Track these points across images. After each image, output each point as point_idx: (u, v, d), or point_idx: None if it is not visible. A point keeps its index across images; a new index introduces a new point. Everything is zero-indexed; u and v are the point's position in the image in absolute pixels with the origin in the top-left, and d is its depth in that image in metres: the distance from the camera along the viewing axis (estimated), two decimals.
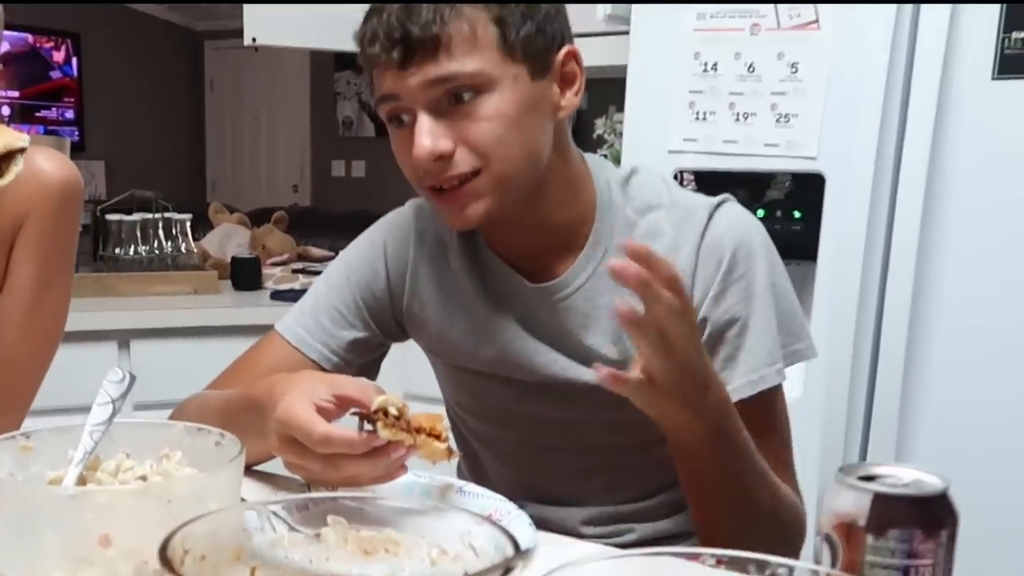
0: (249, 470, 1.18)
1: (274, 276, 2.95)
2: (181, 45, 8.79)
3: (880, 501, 0.66)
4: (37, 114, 7.27)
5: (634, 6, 2.13)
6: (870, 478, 0.68)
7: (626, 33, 2.15)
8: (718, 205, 1.22)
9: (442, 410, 1.33)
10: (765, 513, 1.14)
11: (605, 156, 2.80)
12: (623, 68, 2.14)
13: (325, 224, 4.24)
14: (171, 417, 1.26)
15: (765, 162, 1.99)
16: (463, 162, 1.11)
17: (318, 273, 2.89)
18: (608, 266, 0.92)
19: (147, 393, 1.60)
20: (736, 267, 1.19)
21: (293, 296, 2.68)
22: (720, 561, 0.58)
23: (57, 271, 1.39)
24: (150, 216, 2.82)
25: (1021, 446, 1.78)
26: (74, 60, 7.46)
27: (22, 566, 0.76)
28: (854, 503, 0.66)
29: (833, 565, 0.67)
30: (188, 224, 2.91)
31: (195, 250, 2.94)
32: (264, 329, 1.37)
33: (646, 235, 1.22)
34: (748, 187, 1.90)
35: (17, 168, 1.02)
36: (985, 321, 1.80)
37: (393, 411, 0.96)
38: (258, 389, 1.10)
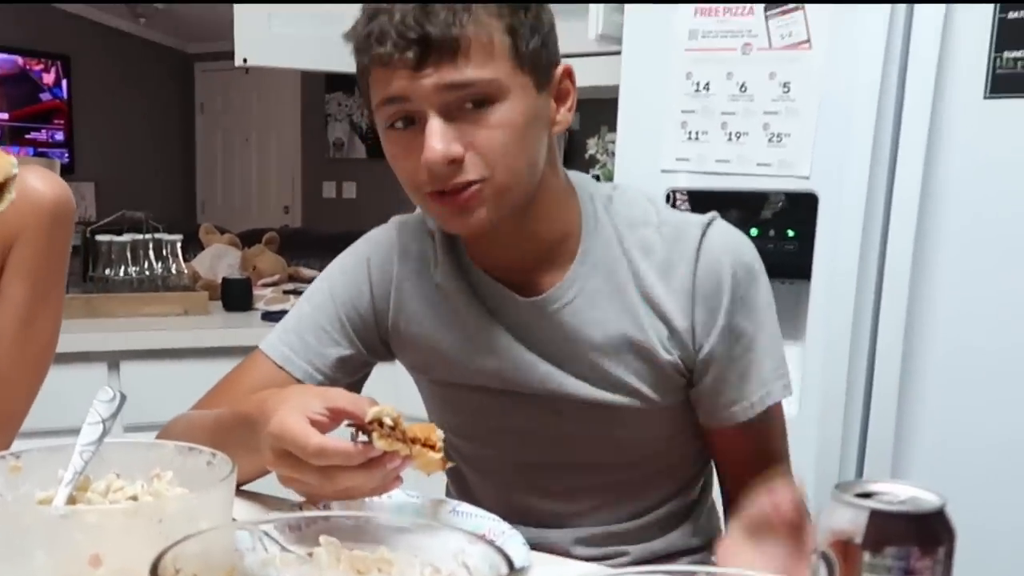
0: (240, 490, 1.17)
1: (265, 297, 2.94)
2: (171, 67, 8.80)
3: (877, 518, 0.65)
4: (27, 136, 7.28)
5: (626, 26, 2.13)
6: (866, 495, 0.67)
7: (618, 53, 2.16)
8: (709, 223, 1.22)
9: None
10: None
11: (597, 176, 2.80)
12: (615, 88, 2.14)
13: (316, 245, 4.23)
14: (158, 438, 1.25)
15: (758, 181, 1.99)
16: (472, 168, 1.10)
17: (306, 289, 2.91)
18: None
19: (137, 415, 1.59)
20: (739, 286, 1.20)
21: (284, 317, 2.67)
22: None
23: (49, 290, 1.38)
24: (140, 237, 2.81)
25: (1017, 463, 1.78)
26: (64, 82, 7.48)
27: None
28: (850, 520, 0.66)
29: None
30: (178, 245, 2.90)
31: (186, 271, 2.93)
32: (255, 350, 1.36)
33: (637, 251, 1.22)
34: (741, 206, 1.90)
35: (10, 196, 1.01)
36: (980, 339, 1.80)
37: (388, 421, 0.96)
38: (248, 405, 1.10)
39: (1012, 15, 1.73)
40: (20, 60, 7.06)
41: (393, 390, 1.59)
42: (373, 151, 7.67)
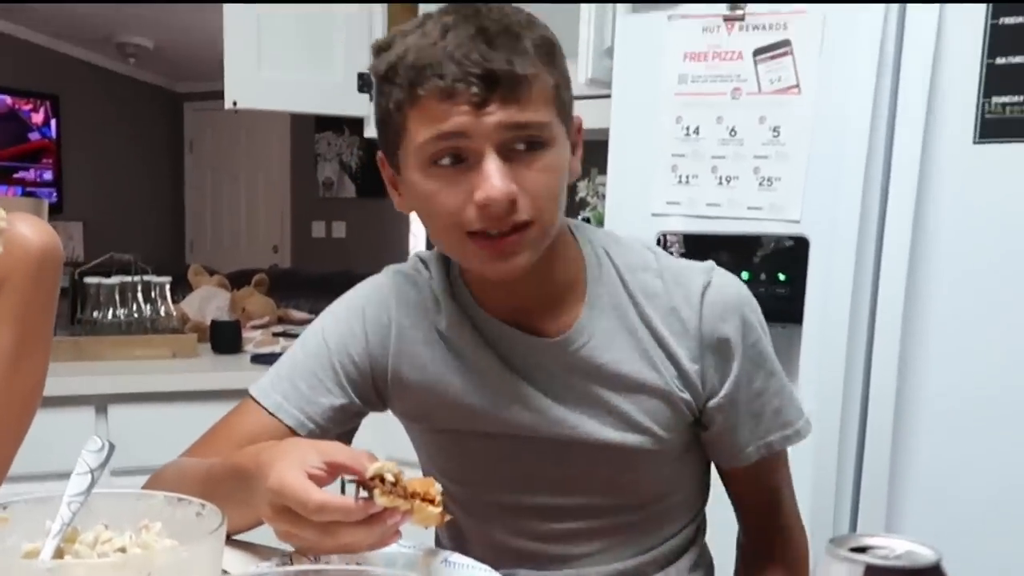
0: (230, 539, 1.16)
1: (254, 339, 2.93)
2: (161, 106, 8.82)
3: (872, 573, 0.64)
4: (15, 175, 7.26)
5: (615, 71, 2.14)
6: (861, 549, 0.67)
7: (608, 96, 2.16)
8: (711, 270, 1.24)
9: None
10: None
11: (588, 219, 2.81)
12: (605, 131, 2.15)
13: (305, 286, 4.23)
14: (147, 485, 1.24)
15: (749, 225, 1.99)
16: (523, 210, 1.10)
17: (298, 336, 2.90)
18: None
19: (125, 459, 1.56)
20: (749, 333, 1.23)
21: (273, 360, 2.62)
22: None
23: (36, 338, 1.37)
24: (129, 279, 2.80)
25: (1013, 515, 1.77)
26: (53, 121, 7.48)
27: None
28: (846, 575, 0.65)
29: None
30: (167, 287, 2.89)
31: (174, 313, 2.92)
32: (244, 393, 1.35)
33: (641, 295, 1.23)
34: (732, 250, 1.90)
35: None
36: (974, 383, 1.80)
37: (390, 478, 0.95)
38: (242, 457, 1.08)
39: (1000, 60, 1.75)
40: (9, 99, 7.06)
41: (381, 436, 1.59)
42: (363, 190, 7.70)
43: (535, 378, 1.24)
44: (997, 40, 1.75)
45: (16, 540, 0.88)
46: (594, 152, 2.30)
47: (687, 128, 2.04)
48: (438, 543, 1.43)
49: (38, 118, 7.41)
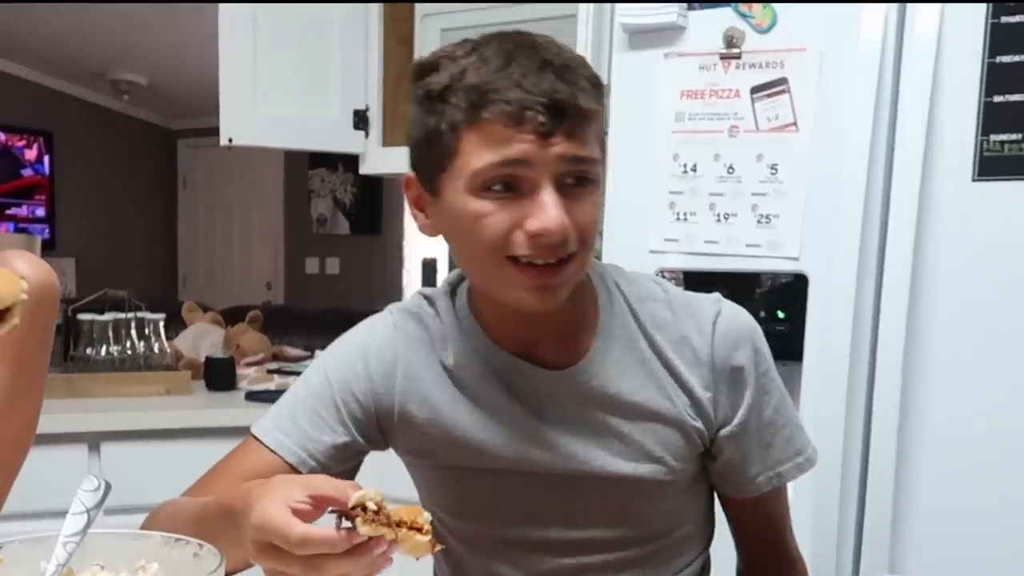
0: None
1: (249, 376, 2.91)
2: (154, 143, 8.84)
3: None
4: (7, 212, 7.27)
5: (612, 109, 2.14)
6: None
7: (605, 134, 2.16)
8: (719, 300, 1.26)
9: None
10: None
11: None
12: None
13: (299, 322, 4.22)
14: (143, 525, 1.22)
15: (747, 262, 1.99)
16: (570, 244, 1.10)
17: (294, 373, 2.89)
18: None
19: (118, 497, 1.53)
20: (761, 363, 1.24)
21: (268, 397, 2.65)
22: None
23: (31, 375, 1.36)
24: (123, 316, 2.79)
25: (1018, 553, 1.76)
26: (46, 158, 7.49)
27: None
28: None
29: None
30: (161, 324, 2.87)
31: (168, 350, 2.90)
32: (239, 431, 1.33)
33: (650, 325, 1.24)
34: (731, 287, 1.89)
35: (14, 322, 0.99)
36: (977, 423, 1.79)
37: (372, 506, 0.93)
38: (232, 496, 1.07)
39: (997, 99, 1.75)
40: (2, 136, 7.08)
41: (380, 473, 1.57)
42: (357, 227, 7.70)
43: (546, 412, 1.23)
44: (994, 78, 1.76)
45: None
46: None
47: (685, 165, 2.04)
48: None
49: (31, 154, 7.43)
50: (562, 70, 1.08)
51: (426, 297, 1.33)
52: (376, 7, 2.87)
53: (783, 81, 1.94)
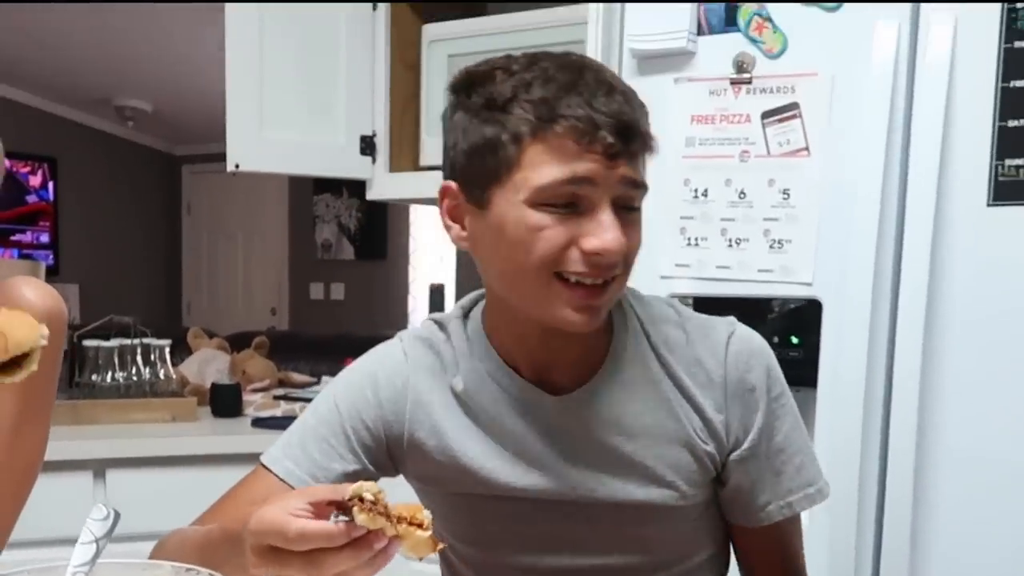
0: None
1: (255, 403, 2.90)
2: (158, 169, 8.86)
3: None
4: (12, 238, 7.27)
5: None
6: None
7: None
8: (733, 323, 1.26)
9: None
10: None
11: None
12: None
13: (304, 348, 4.20)
14: (151, 555, 1.22)
15: (759, 288, 1.97)
16: (619, 265, 1.11)
17: (300, 399, 2.88)
18: None
19: (123, 525, 1.53)
20: (774, 386, 1.24)
21: (275, 423, 2.64)
22: None
23: (38, 404, 1.35)
24: (128, 342, 2.78)
25: None
26: (51, 184, 7.51)
27: None
28: None
29: None
30: (167, 350, 2.87)
31: (174, 376, 2.89)
32: (246, 458, 1.33)
33: (663, 346, 1.23)
34: (743, 313, 1.87)
35: (32, 367, 0.99)
36: (996, 451, 1.77)
37: (368, 496, 0.92)
38: (235, 521, 1.06)
39: (1012, 123, 1.74)
40: (7, 162, 7.07)
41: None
42: (362, 252, 7.71)
43: (556, 437, 1.22)
44: (1008, 103, 1.75)
45: None
46: None
47: (695, 190, 2.03)
48: None
49: (36, 181, 7.44)
50: (626, 95, 1.10)
51: (437, 322, 1.33)
52: (383, 33, 2.87)
53: (794, 106, 1.93)
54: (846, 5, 1.89)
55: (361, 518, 0.91)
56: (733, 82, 2.00)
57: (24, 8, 5.30)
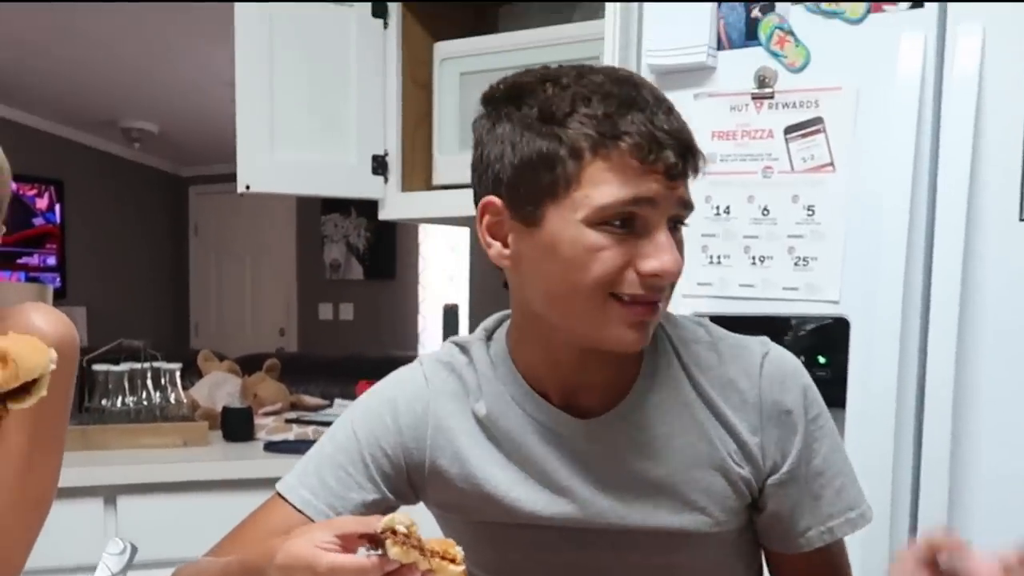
0: None
1: (267, 426, 2.86)
2: (165, 190, 8.86)
3: None
4: (19, 261, 7.27)
5: None
6: None
7: None
8: (765, 342, 1.23)
9: None
10: None
11: None
12: None
13: (314, 370, 4.17)
14: None
15: (784, 306, 1.94)
16: (668, 285, 1.09)
17: (312, 423, 2.84)
18: None
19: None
20: (811, 407, 1.20)
21: (287, 447, 2.60)
22: None
23: (50, 436, 1.32)
24: (138, 366, 2.75)
25: None
26: (57, 207, 7.51)
27: None
28: None
29: None
30: (177, 374, 2.83)
31: (184, 400, 2.86)
32: (258, 483, 1.30)
33: (694, 367, 1.19)
34: (768, 332, 1.84)
35: (41, 393, 0.96)
36: None
37: (402, 528, 0.90)
38: (255, 553, 1.04)
39: None
40: (13, 185, 7.07)
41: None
42: (371, 272, 7.69)
43: (584, 463, 1.18)
44: None
45: None
46: None
47: (717, 207, 2.00)
48: None
49: (43, 203, 7.44)
50: (678, 114, 1.07)
51: (458, 345, 1.29)
52: (394, 52, 2.84)
53: (818, 121, 1.90)
54: (870, 17, 1.85)
55: (395, 551, 0.89)
56: (755, 97, 1.97)
57: (31, 29, 5.30)
